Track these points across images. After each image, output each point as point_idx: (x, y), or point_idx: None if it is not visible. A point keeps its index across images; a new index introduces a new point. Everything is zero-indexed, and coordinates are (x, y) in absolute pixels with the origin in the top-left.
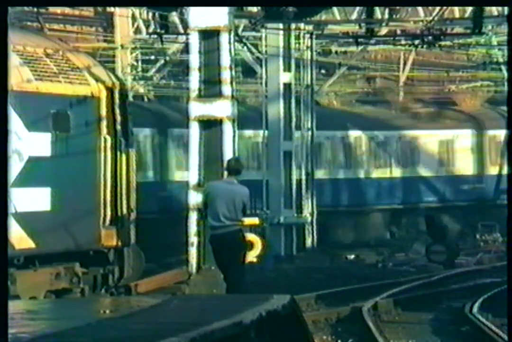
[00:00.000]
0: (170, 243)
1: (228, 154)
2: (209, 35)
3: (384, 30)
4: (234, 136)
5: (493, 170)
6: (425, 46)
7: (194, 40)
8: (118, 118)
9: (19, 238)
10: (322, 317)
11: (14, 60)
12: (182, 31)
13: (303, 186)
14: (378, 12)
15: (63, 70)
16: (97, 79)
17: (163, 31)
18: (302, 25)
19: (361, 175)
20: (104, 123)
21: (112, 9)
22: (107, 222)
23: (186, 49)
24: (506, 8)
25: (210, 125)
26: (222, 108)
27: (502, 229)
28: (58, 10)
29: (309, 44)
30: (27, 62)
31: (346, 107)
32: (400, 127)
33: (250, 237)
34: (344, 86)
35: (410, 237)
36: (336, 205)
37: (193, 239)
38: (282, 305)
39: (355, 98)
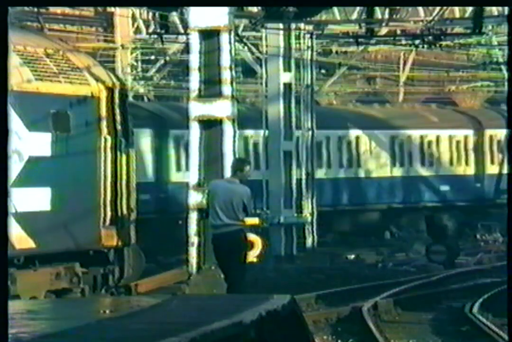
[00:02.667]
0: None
1: (228, 154)
2: (209, 35)
3: (384, 30)
4: (234, 136)
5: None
6: (425, 46)
7: (194, 40)
8: (118, 118)
9: (19, 238)
10: (322, 317)
11: (14, 60)
12: (182, 31)
13: (303, 186)
14: (378, 12)
15: (63, 70)
16: (97, 79)
17: (163, 31)
18: (302, 25)
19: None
20: (104, 123)
21: (112, 9)
22: (107, 222)
23: (186, 49)
24: (506, 8)
25: (210, 125)
26: (222, 108)
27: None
28: (58, 10)
29: (309, 44)
30: (27, 62)
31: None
32: None
33: (250, 237)
34: (344, 86)
35: (410, 236)
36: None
37: (193, 239)
38: (282, 305)
39: (355, 98)
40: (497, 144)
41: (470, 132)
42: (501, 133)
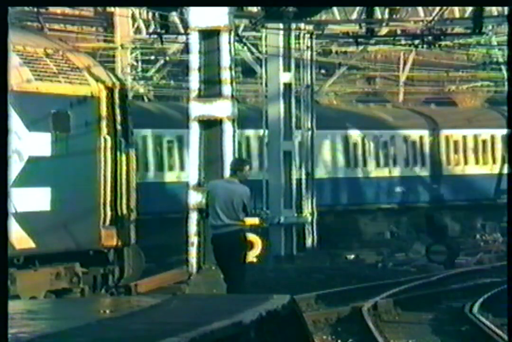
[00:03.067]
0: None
1: (228, 154)
2: (209, 35)
3: (384, 30)
4: (234, 136)
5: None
6: (425, 46)
7: (194, 40)
8: (118, 118)
9: (19, 238)
10: (322, 317)
11: (14, 60)
12: (182, 31)
13: (303, 186)
14: (378, 12)
15: (63, 70)
16: (97, 79)
17: (163, 31)
18: (302, 25)
19: None
20: (104, 123)
21: (112, 9)
22: (107, 222)
23: (186, 49)
24: (506, 8)
25: (210, 125)
26: (222, 108)
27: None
28: (58, 10)
29: (309, 44)
30: (27, 62)
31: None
32: None
33: (250, 237)
34: (344, 86)
35: (410, 237)
36: None
37: (193, 239)
38: (282, 305)
39: (355, 98)
40: (453, 145)
41: (425, 133)
42: (457, 134)
